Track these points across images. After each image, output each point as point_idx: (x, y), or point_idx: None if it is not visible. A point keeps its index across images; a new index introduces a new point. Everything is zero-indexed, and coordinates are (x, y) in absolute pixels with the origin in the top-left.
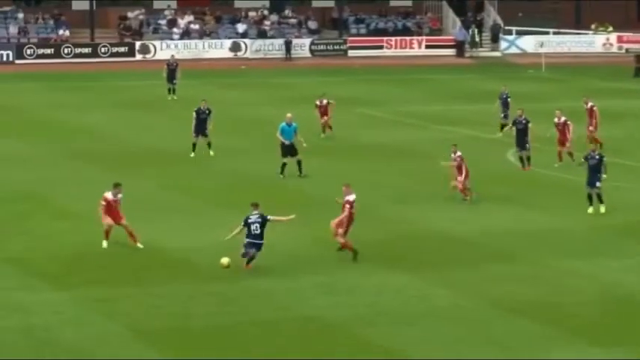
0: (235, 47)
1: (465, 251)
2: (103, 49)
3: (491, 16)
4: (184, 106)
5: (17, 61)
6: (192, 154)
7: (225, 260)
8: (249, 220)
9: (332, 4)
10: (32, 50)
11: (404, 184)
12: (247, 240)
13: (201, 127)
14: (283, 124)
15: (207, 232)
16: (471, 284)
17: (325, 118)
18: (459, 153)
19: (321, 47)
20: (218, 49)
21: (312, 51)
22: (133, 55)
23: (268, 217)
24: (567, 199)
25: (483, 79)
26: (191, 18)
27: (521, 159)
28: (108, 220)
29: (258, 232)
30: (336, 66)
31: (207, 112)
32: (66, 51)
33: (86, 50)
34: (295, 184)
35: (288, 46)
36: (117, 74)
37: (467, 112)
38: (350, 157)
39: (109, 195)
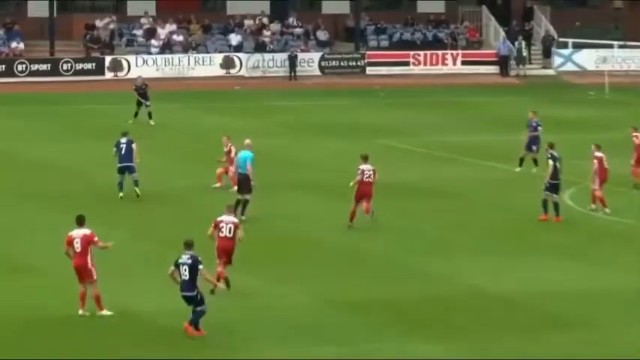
0: (227, 63)
1: (505, 314)
2: (65, 66)
3: (543, 25)
4: (164, 135)
5: None
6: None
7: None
8: (179, 261)
9: (346, 9)
10: None
11: (434, 230)
12: (181, 294)
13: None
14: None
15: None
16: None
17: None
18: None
19: (334, 63)
20: (206, 65)
21: (322, 68)
22: (102, 73)
23: (201, 267)
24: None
25: (533, 103)
26: (173, 27)
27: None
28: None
29: (187, 277)
30: (351, 86)
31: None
32: (19, 68)
33: (44, 67)
34: (298, 227)
35: (292, 61)
36: (82, 96)
37: (512, 144)
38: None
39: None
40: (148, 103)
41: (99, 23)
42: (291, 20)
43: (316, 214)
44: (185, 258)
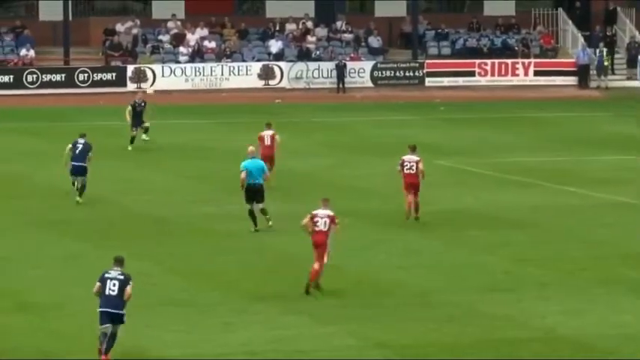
0: (267, 73)
1: None
2: (81, 76)
3: (627, 30)
4: (193, 155)
5: None
6: (130, 147)
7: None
8: (107, 276)
9: (403, 11)
10: None
11: (501, 264)
12: (99, 310)
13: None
14: (247, 161)
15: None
16: None
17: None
18: None
19: (388, 73)
20: (242, 75)
21: (374, 79)
22: (124, 85)
23: (130, 283)
24: None
25: (616, 120)
26: (205, 32)
27: None
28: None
29: (115, 292)
30: (408, 100)
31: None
32: (30, 78)
33: (58, 77)
34: (345, 261)
35: (340, 71)
36: (100, 111)
37: (595, 166)
38: (428, 227)
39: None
40: (145, 125)
41: (120, 28)
42: (340, 24)
43: (364, 245)
44: (115, 273)
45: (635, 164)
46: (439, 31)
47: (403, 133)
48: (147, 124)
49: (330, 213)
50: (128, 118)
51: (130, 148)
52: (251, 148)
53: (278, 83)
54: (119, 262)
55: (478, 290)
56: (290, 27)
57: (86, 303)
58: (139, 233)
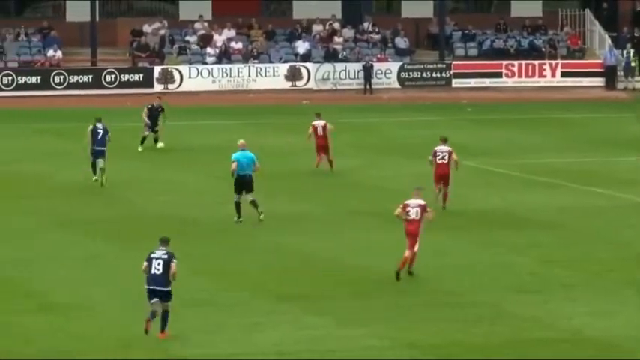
0: (293, 74)
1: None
2: (108, 77)
3: None
4: (220, 157)
5: None
6: (140, 148)
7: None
8: (153, 255)
9: (430, 12)
10: (10, 79)
11: (528, 265)
12: (146, 287)
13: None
14: (238, 153)
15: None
16: None
17: None
18: None
19: (415, 74)
20: (269, 76)
21: (401, 80)
22: (151, 86)
23: (174, 261)
24: None
25: None
26: (232, 33)
27: None
28: None
29: (160, 271)
30: (435, 101)
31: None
32: (57, 79)
33: (85, 78)
34: (373, 263)
35: (367, 72)
36: (127, 112)
37: (622, 167)
38: (455, 228)
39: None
40: (157, 129)
41: (147, 29)
42: (367, 25)
43: (391, 245)
44: (160, 253)
45: None
46: (466, 32)
47: (430, 134)
48: (157, 131)
49: (422, 202)
50: (145, 118)
51: (140, 149)
52: (241, 141)
53: (305, 84)
54: (164, 242)
55: (505, 291)
56: (317, 28)
57: (107, 304)
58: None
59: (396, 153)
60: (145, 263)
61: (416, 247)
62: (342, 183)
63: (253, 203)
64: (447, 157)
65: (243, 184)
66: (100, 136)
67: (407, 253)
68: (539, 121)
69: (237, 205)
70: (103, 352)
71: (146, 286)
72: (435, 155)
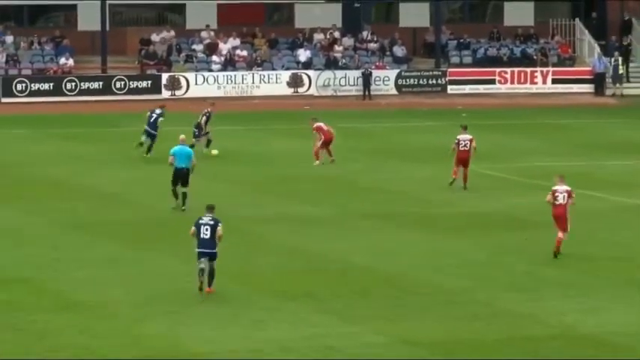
0: (295, 81)
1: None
2: (118, 84)
3: None
4: (225, 161)
5: (4, 100)
6: (215, 151)
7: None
8: (200, 222)
9: (426, 22)
10: (24, 85)
11: (523, 264)
12: (197, 250)
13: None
14: (176, 147)
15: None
16: None
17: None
18: None
19: (412, 81)
20: (272, 83)
21: (398, 86)
22: (159, 92)
23: (219, 225)
24: None
25: (632, 126)
26: (236, 42)
27: None
28: None
29: (208, 236)
30: (431, 107)
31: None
32: (69, 86)
33: (96, 85)
34: (374, 263)
35: (366, 79)
36: (136, 117)
37: (610, 170)
38: (453, 229)
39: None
40: (209, 135)
41: (155, 37)
42: (366, 34)
43: (393, 246)
44: (207, 219)
45: None
46: (461, 40)
47: (426, 139)
48: (143, 139)
49: (568, 188)
50: (203, 125)
51: (215, 152)
52: (182, 136)
53: (306, 91)
54: (210, 209)
55: (501, 289)
56: (318, 37)
57: (125, 304)
58: (180, 235)
59: (394, 156)
60: (193, 228)
61: (567, 228)
62: (345, 186)
63: (184, 195)
64: (468, 145)
65: (180, 176)
66: (152, 119)
67: (560, 234)
68: (532, 126)
69: (174, 192)
70: (119, 352)
71: (196, 250)
72: (458, 143)
